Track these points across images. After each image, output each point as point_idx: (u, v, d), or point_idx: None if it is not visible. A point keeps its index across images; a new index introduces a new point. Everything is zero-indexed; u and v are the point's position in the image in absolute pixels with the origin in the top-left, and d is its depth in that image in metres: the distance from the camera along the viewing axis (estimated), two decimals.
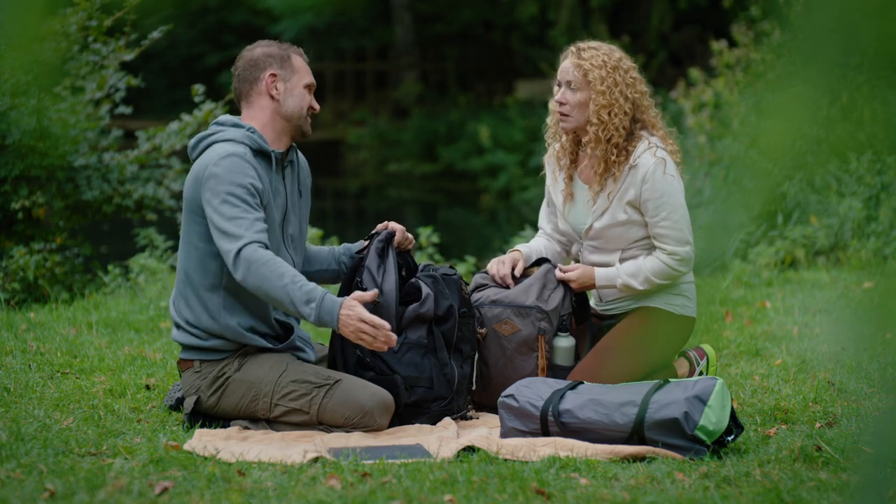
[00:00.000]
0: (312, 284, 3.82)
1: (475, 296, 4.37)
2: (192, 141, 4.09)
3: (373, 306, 4.03)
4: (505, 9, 21.59)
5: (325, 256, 4.36)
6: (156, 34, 7.62)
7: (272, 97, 4.09)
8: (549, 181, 4.50)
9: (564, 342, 4.28)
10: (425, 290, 4.12)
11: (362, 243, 4.30)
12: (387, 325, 3.79)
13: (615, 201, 4.28)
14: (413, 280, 4.18)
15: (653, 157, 4.24)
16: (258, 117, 4.10)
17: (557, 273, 4.33)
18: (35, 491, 3.13)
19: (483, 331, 4.31)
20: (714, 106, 11.17)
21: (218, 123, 4.10)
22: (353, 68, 24.04)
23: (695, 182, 10.95)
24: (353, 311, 3.78)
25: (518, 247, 4.50)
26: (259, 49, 4.14)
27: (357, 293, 3.87)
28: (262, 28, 23.46)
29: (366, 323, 3.77)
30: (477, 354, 4.29)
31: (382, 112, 23.29)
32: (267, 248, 3.85)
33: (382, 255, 4.16)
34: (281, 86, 4.09)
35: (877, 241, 7.74)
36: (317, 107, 4.16)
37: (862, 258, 7.69)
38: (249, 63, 4.11)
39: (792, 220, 8.32)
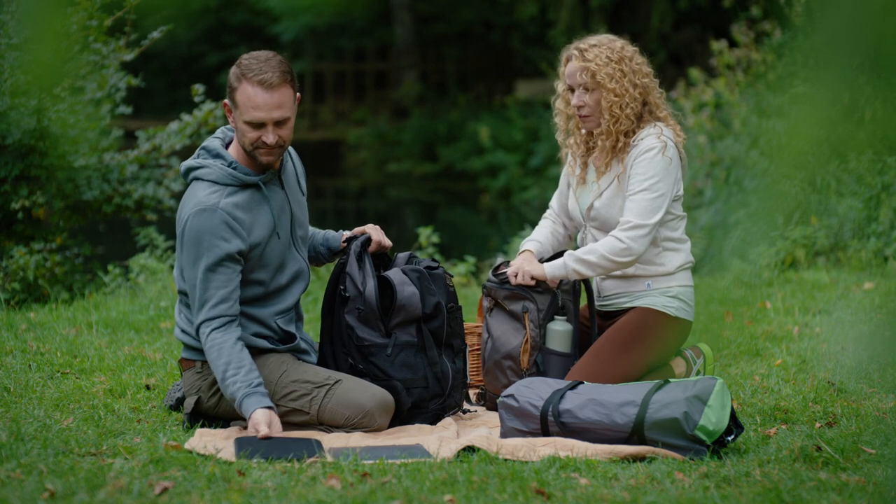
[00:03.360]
0: (239, 386, 3.79)
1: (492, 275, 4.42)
2: (182, 168, 4.03)
3: (358, 312, 4.07)
4: (505, 9, 21.60)
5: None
6: (156, 34, 7.62)
7: (231, 123, 4.01)
8: (566, 167, 4.56)
9: (558, 326, 4.30)
10: (409, 289, 4.11)
11: (341, 243, 4.29)
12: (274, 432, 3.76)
13: (617, 181, 4.31)
14: (383, 274, 4.16)
15: (656, 140, 4.28)
16: (237, 138, 4.01)
17: (508, 274, 4.34)
18: (35, 491, 3.13)
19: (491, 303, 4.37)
20: (714, 106, 11.18)
21: (205, 150, 4.02)
22: (353, 68, 24.04)
23: (695, 182, 10.95)
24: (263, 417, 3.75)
25: (527, 246, 4.51)
26: (232, 69, 3.93)
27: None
28: (262, 28, 23.48)
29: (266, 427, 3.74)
30: (468, 347, 4.32)
31: (382, 112, 23.30)
32: (216, 321, 3.86)
33: (360, 260, 4.15)
34: (233, 115, 3.95)
35: (877, 241, 7.74)
36: (269, 141, 3.87)
37: (862, 259, 7.68)
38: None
39: (792, 221, 8.32)
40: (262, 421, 3.74)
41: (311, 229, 4.35)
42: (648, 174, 4.25)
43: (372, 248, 4.21)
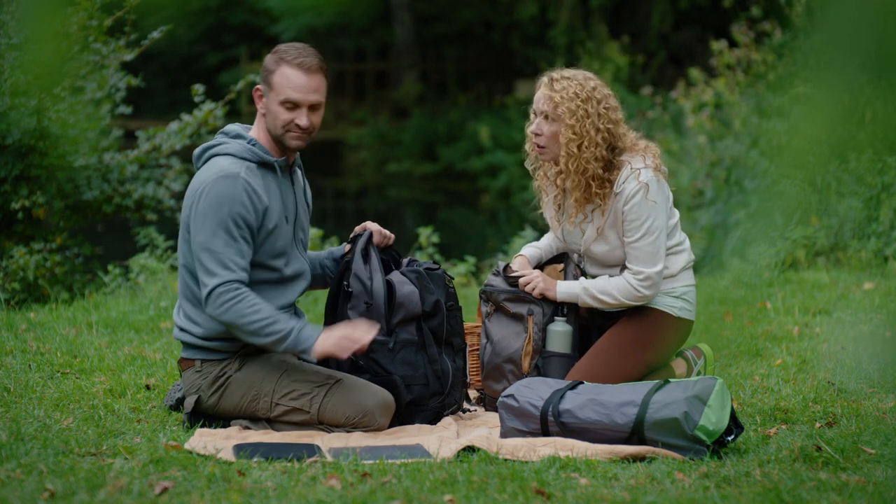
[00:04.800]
0: (288, 322, 3.85)
1: (491, 279, 4.41)
2: (198, 151, 4.08)
3: (365, 307, 4.07)
4: (505, 9, 21.61)
5: (310, 261, 4.36)
6: (156, 34, 7.62)
7: (259, 110, 4.07)
8: (542, 205, 4.54)
9: (558, 327, 4.31)
10: (408, 287, 4.12)
11: (345, 247, 4.31)
12: (368, 329, 3.89)
13: (606, 230, 4.29)
14: (387, 277, 4.18)
15: (635, 182, 4.23)
16: (258, 121, 4.10)
17: (521, 281, 4.34)
18: (35, 491, 3.13)
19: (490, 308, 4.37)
20: (714, 106, 11.18)
21: (223, 133, 4.09)
22: (353, 68, 24.05)
23: (695, 183, 10.95)
24: (332, 331, 3.88)
25: (524, 251, 4.52)
26: (269, 56, 4.08)
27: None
28: (262, 28, 23.47)
29: (345, 332, 3.88)
30: (468, 346, 4.32)
31: (382, 112, 23.30)
32: (242, 284, 3.88)
33: (366, 256, 4.16)
34: (264, 100, 4.05)
35: (877, 241, 7.74)
36: (302, 123, 3.99)
37: (862, 259, 7.68)
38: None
39: (792, 221, 8.32)
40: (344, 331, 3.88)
41: (313, 252, 4.38)
42: (642, 219, 4.23)
43: (376, 239, 4.22)
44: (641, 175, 4.23)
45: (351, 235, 4.28)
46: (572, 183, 4.28)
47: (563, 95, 4.24)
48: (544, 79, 4.33)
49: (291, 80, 3.98)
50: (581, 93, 4.24)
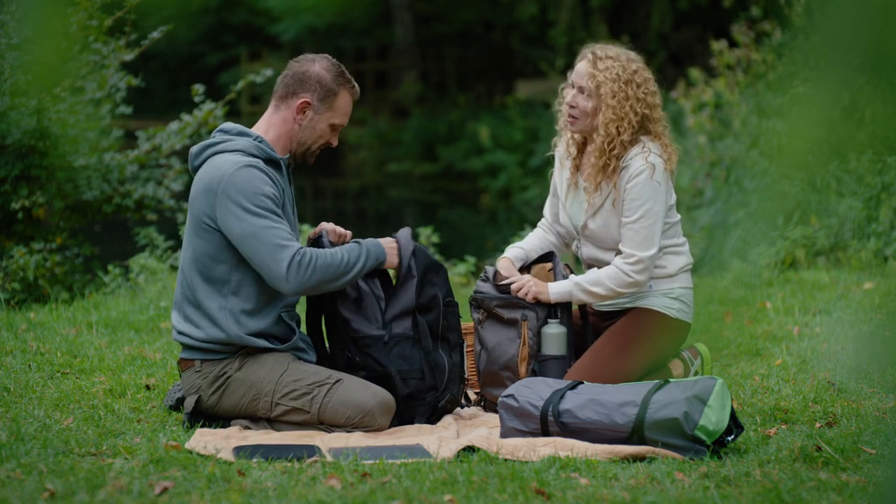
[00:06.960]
0: (355, 247, 4.03)
1: (481, 285, 4.40)
2: (195, 149, 4.05)
3: (356, 303, 4.08)
4: (505, 9, 21.61)
5: None
6: (156, 34, 7.62)
7: (295, 119, 4.08)
8: (556, 168, 4.53)
9: (553, 329, 4.29)
10: (409, 248, 4.14)
11: None
12: None
13: (608, 203, 4.30)
14: (395, 235, 4.22)
15: (643, 161, 4.24)
16: (276, 123, 4.09)
17: (513, 287, 4.33)
18: (35, 491, 3.13)
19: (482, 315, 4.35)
20: (714, 106, 11.17)
21: (222, 131, 4.07)
22: (352, 68, 23.85)
23: (695, 183, 10.95)
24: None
25: (508, 253, 4.51)
26: (317, 67, 4.09)
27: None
28: (262, 28, 23.48)
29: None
30: (465, 343, 4.32)
31: (382, 112, 23.30)
32: (304, 247, 3.97)
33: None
34: (309, 114, 4.08)
35: (877, 241, 7.74)
36: (335, 144, 4.17)
37: (862, 259, 7.68)
38: (300, 75, 4.08)
39: (792, 221, 8.32)
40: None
41: None
42: (642, 199, 4.24)
43: (332, 238, 4.22)
44: (651, 156, 4.24)
45: (309, 242, 4.25)
46: (599, 160, 4.29)
47: (606, 76, 4.25)
48: (588, 54, 4.32)
49: (349, 107, 4.17)
50: (623, 75, 4.26)
